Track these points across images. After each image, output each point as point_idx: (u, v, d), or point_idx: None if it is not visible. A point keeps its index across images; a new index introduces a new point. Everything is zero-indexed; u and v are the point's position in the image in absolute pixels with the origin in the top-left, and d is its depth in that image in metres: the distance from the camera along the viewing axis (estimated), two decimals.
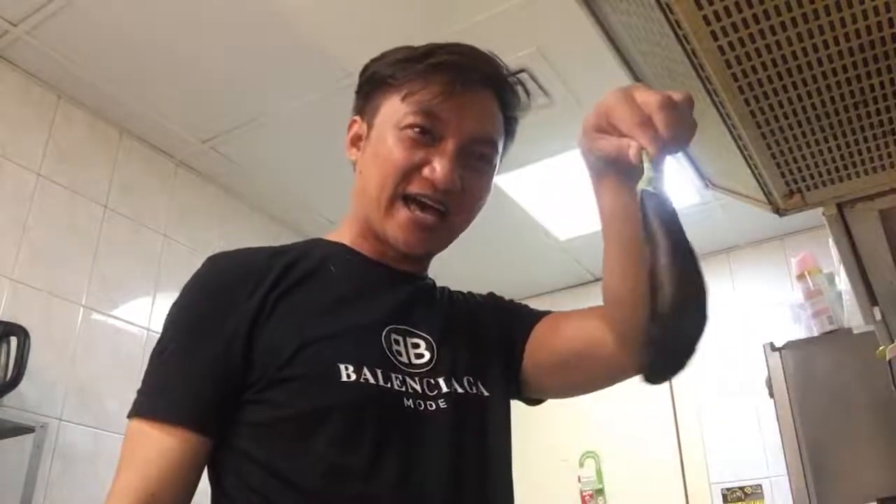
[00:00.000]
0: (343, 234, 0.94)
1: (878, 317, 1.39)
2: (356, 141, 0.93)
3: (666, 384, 3.36)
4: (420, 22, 2.16)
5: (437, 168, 0.84)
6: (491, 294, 1.03)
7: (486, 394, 0.86)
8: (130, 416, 0.78)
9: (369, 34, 2.19)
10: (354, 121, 0.94)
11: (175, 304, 0.84)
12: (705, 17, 0.75)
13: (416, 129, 0.85)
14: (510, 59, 2.38)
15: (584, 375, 0.91)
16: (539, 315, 0.96)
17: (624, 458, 3.39)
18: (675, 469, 3.30)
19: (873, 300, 1.34)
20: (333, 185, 3.19)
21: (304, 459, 0.74)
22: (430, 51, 0.88)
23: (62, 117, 2.48)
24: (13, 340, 1.96)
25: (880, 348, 1.52)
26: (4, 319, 2.04)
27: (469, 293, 1.01)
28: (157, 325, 2.69)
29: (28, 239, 2.28)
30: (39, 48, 2.28)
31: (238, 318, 0.79)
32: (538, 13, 2.14)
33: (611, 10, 0.88)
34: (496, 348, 0.92)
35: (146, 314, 2.60)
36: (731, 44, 0.78)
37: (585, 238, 3.35)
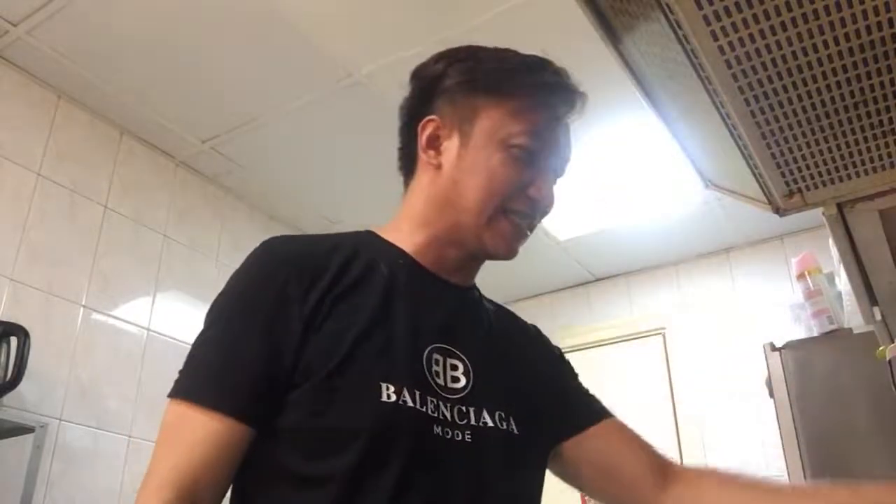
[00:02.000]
0: (402, 237, 0.91)
1: (878, 317, 1.39)
2: (433, 142, 0.91)
3: (666, 383, 3.37)
4: (421, 23, 2.16)
5: (543, 190, 0.89)
6: (537, 329, 1.03)
7: (515, 431, 0.84)
8: (174, 396, 0.76)
9: (369, 34, 2.20)
10: (431, 120, 0.91)
11: (226, 289, 0.82)
12: (705, 17, 0.75)
13: (527, 151, 0.87)
14: None
15: (609, 497, 0.99)
16: (603, 413, 0.99)
17: None
18: None
19: (873, 300, 1.34)
20: (333, 184, 3.20)
21: (330, 472, 0.73)
22: (533, 65, 0.89)
23: (62, 117, 2.48)
24: (13, 340, 1.96)
25: (880, 348, 1.52)
26: (4, 319, 2.05)
27: (513, 314, 1.01)
28: (157, 325, 2.74)
29: (28, 239, 2.28)
30: (39, 48, 2.28)
31: (294, 315, 0.77)
32: (538, 13, 2.14)
33: (611, 11, 0.88)
34: (543, 392, 0.92)
35: (146, 314, 2.60)
36: (731, 44, 0.78)
37: (585, 238, 3.35)
